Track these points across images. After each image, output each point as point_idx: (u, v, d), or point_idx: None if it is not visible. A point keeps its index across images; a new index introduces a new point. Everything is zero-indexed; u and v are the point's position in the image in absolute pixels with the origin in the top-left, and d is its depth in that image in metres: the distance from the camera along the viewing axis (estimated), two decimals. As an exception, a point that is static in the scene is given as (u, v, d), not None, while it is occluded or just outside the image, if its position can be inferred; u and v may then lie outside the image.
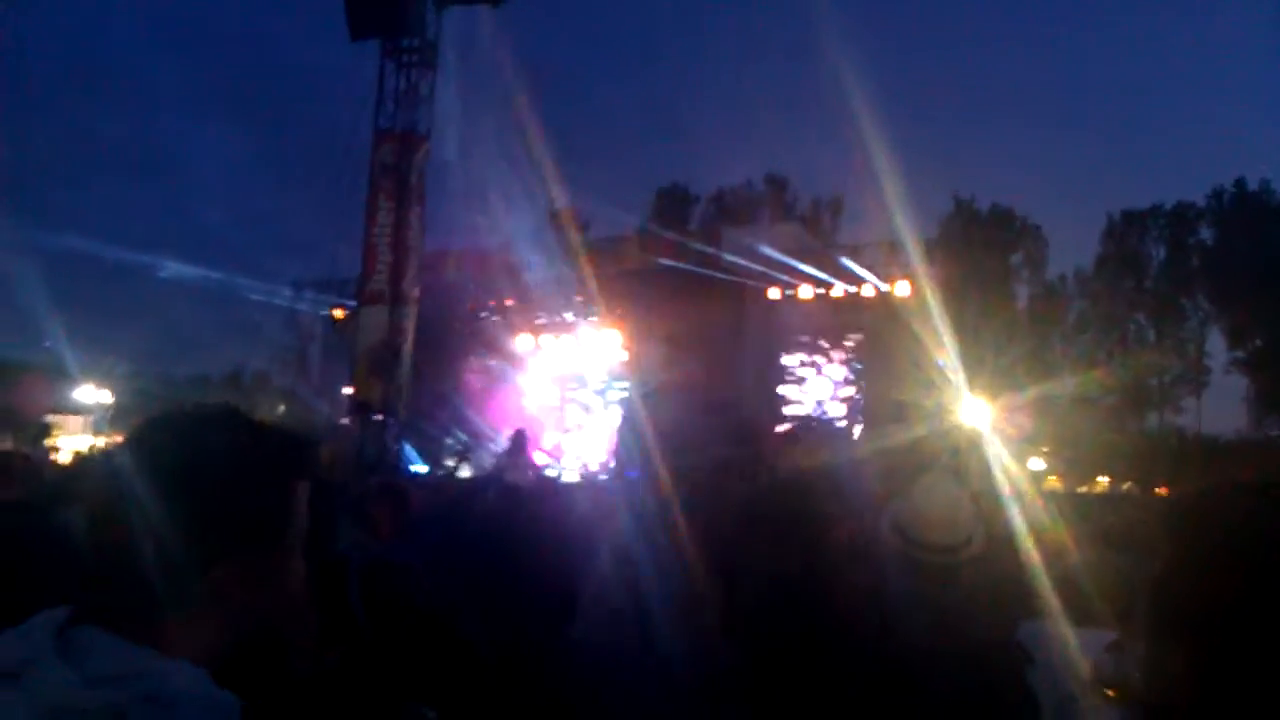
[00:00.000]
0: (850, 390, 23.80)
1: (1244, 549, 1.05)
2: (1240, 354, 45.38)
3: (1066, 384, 36.86)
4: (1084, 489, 34.20)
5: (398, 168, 18.79)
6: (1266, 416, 45.70)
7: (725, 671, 1.48)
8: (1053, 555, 2.42)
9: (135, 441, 1.40)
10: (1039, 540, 2.49)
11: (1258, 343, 44.73)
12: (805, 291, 22.73)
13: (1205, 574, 1.08)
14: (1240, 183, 46.43)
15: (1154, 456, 41.08)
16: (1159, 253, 47.69)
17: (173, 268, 32.94)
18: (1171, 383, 46.58)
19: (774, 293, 22.86)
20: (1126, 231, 47.93)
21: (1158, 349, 45.61)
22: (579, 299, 23.37)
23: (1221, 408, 45.90)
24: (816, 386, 24.02)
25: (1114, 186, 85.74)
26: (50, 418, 25.48)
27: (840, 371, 23.84)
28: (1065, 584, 2.33)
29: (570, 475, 21.01)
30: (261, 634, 1.44)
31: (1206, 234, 47.25)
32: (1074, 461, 34.07)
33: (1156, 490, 35.23)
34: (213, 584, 1.33)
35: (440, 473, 20.91)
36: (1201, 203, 47.05)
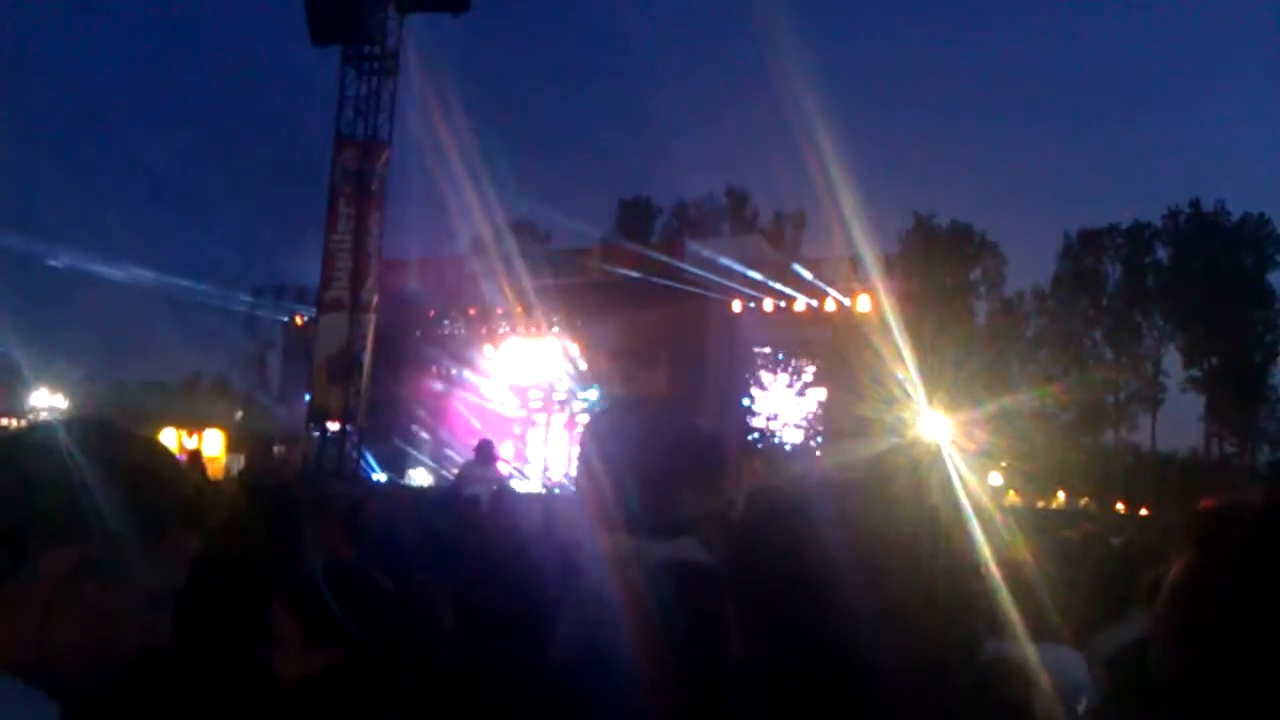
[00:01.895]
0: (810, 403, 23.91)
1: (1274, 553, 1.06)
2: (1196, 372, 45.97)
3: (1024, 400, 37.19)
4: (1042, 504, 34.50)
5: (358, 174, 18.70)
6: (1221, 434, 46.37)
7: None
8: (1012, 570, 2.42)
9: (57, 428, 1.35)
10: (998, 555, 2.49)
11: (1213, 361, 45.34)
12: (767, 305, 22.81)
13: (1239, 579, 1.09)
14: (1196, 203, 47.10)
15: (1110, 473, 41.60)
16: (1115, 271, 48.23)
17: (130, 272, 32.64)
18: (1127, 400, 47.11)
19: (736, 305, 22.92)
20: (1083, 250, 48.43)
21: (1114, 366, 46.11)
22: (540, 309, 23.32)
23: (1176, 425, 46.54)
24: (777, 399, 24.11)
25: (1071, 205, 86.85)
26: (3, 421, 25.16)
27: (801, 384, 23.93)
28: (1024, 599, 2.33)
29: (531, 486, 20.97)
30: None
31: (1162, 253, 47.84)
32: (1032, 477, 34.35)
33: (1115, 506, 35.60)
34: (39, 574, 1.24)
35: (398, 480, 20.83)
36: (1158, 222, 47.65)
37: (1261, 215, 46.02)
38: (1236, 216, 46.50)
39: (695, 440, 2.29)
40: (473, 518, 7.05)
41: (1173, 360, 46.92)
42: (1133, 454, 46.41)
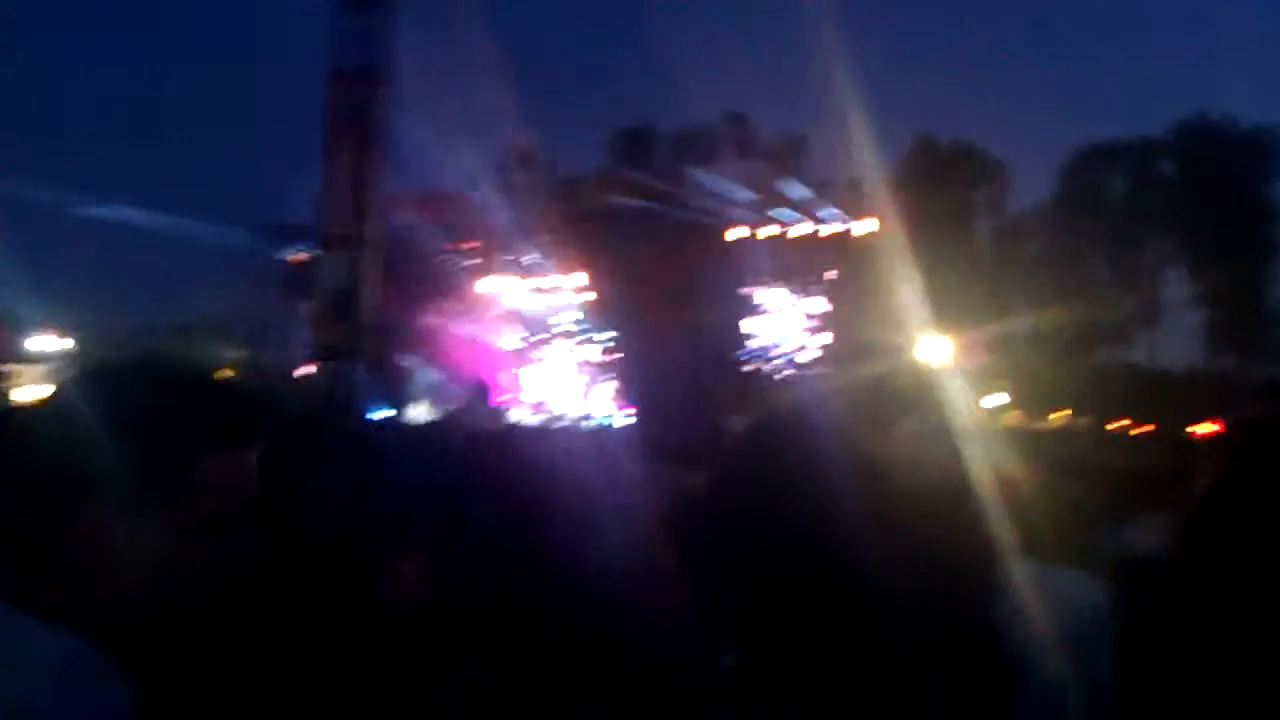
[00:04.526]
0: (813, 327, 23.91)
1: None
2: (1197, 288, 45.72)
3: (1024, 320, 37.09)
4: (1043, 423, 34.61)
5: (357, 108, 18.54)
6: (1221, 350, 46.25)
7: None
8: (1010, 487, 2.46)
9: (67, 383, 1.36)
10: (997, 473, 2.54)
11: (1214, 276, 45.06)
12: (768, 230, 22.74)
13: (1255, 492, 1.15)
14: (1204, 115, 46.42)
15: (1108, 390, 41.60)
16: (1121, 187, 47.76)
17: (127, 212, 32.52)
18: (1126, 318, 46.87)
19: (737, 231, 22.85)
20: (1088, 166, 47.93)
21: (1115, 284, 45.82)
22: (542, 240, 23.22)
23: (1175, 343, 46.43)
24: (779, 324, 24.11)
25: (1077, 121, 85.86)
26: (6, 367, 25.22)
27: (803, 308, 23.93)
28: (1021, 516, 2.38)
29: (532, 419, 21.07)
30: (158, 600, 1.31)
31: (1168, 168, 47.30)
32: (1034, 396, 34.42)
33: (1112, 423, 35.67)
34: (84, 532, 1.24)
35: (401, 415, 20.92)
36: (1165, 136, 46.99)
37: (1270, 126, 45.14)
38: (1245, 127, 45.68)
39: (715, 370, 2.34)
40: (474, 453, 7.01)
41: (1174, 277, 46.68)
42: (1129, 371, 46.35)
